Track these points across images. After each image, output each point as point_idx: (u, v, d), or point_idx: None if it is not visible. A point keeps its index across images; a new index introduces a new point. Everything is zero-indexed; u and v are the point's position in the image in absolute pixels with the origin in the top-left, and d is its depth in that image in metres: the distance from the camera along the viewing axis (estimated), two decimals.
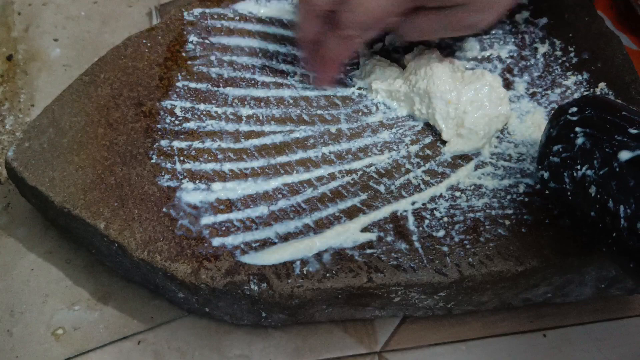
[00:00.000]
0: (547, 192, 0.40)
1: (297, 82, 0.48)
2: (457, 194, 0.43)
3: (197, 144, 0.45)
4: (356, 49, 0.46)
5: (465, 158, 0.45)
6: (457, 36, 0.49)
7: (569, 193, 0.37)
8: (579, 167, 0.36)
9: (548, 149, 0.39)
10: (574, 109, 0.38)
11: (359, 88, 0.48)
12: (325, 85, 0.48)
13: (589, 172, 0.35)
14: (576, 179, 0.36)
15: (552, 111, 0.46)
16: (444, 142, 0.45)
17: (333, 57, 0.45)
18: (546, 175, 0.39)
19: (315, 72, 0.48)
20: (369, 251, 0.41)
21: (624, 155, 0.34)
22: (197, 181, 0.43)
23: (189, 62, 0.48)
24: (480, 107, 0.44)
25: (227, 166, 0.44)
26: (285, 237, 0.41)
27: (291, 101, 0.47)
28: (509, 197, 0.43)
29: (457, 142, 0.45)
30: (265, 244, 0.41)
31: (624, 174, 0.34)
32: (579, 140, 0.36)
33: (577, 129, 0.37)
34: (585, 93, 0.47)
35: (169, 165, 0.44)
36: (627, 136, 0.34)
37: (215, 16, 0.51)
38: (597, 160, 0.35)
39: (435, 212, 0.42)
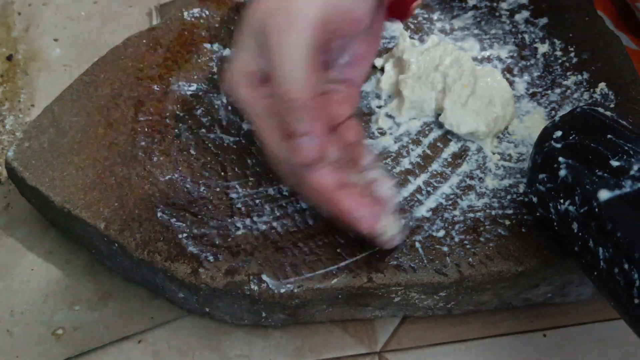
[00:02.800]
0: (538, 214, 0.40)
1: None
2: (458, 193, 0.43)
3: (197, 144, 0.45)
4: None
5: (465, 158, 0.45)
6: None
7: (555, 224, 0.37)
8: (562, 200, 0.36)
9: (534, 175, 0.39)
10: (559, 134, 0.37)
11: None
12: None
13: (571, 207, 0.35)
14: (560, 212, 0.36)
15: (552, 111, 0.47)
16: (444, 143, 0.45)
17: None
18: (535, 200, 0.39)
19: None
20: (369, 251, 0.41)
21: (603, 194, 0.34)
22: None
23: (189, 62, 0.48)
24: (489, 104, 0.44)
25: (227, 166, 0.44)
26: (286, 237, 0.41)
27: None
28: (509, 197, 0.43)
29: (455, 113, 0.44)
30: (265, 244, 0.41)
31: (602, 216, 0.34)
32: (562, 173, 0.36)
33: (560, 158, 0.36)
34: (584, 92, 0.47)
35: (169, 165, 0.44)
36: (607, 170, 0.34)
37: (216, 17, 0.51)
38: (578, 197, 0.35)
39: (435, 211, 0.42)
